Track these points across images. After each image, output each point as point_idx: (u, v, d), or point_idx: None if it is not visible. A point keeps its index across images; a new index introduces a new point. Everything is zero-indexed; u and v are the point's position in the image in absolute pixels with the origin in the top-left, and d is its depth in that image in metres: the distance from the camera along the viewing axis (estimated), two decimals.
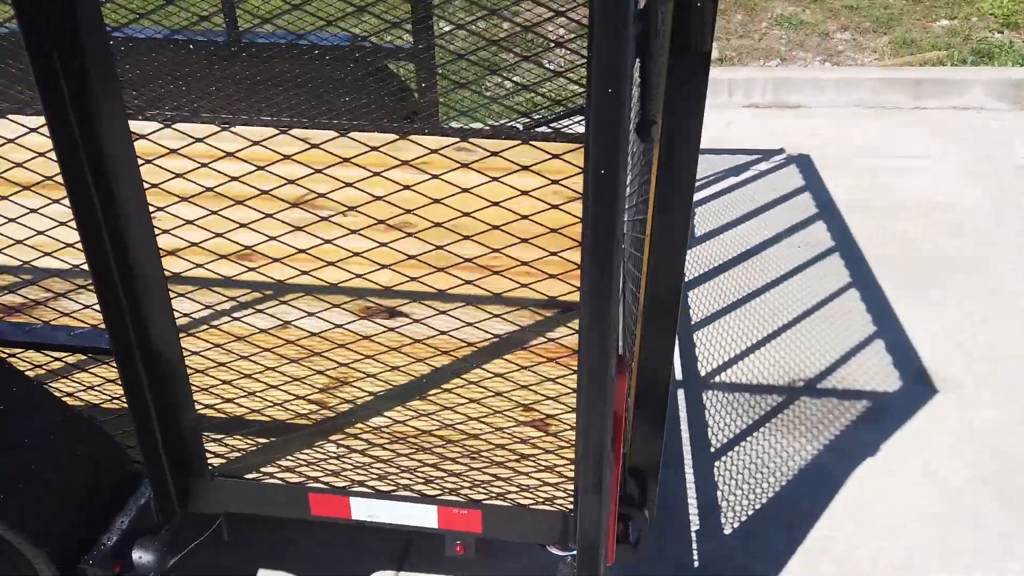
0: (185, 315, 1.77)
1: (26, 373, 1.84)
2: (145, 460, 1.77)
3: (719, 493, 2.85)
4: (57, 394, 1.91)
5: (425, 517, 1.81)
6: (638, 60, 2.22)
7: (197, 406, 1.74)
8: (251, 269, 1.68)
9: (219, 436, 1.96)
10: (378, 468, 1.86)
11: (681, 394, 3.31)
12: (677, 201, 1.47)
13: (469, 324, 1.72)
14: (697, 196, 4.64)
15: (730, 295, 3.92)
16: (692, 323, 3.73)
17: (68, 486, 1.80)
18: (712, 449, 3.04)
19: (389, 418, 2.00)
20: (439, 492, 1.80)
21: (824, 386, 3.35)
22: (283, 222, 1.59)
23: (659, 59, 1.55)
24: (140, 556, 1.79)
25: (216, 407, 1.98)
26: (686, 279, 3.92)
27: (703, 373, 3.42)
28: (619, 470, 1.80)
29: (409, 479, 1.83)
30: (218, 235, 1.53)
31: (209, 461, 1.84)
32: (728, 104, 5.87)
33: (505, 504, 1.77)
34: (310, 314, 1.74)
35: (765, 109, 5.84)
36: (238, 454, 1.94)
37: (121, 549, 1.79)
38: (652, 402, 1.75)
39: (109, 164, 1.41)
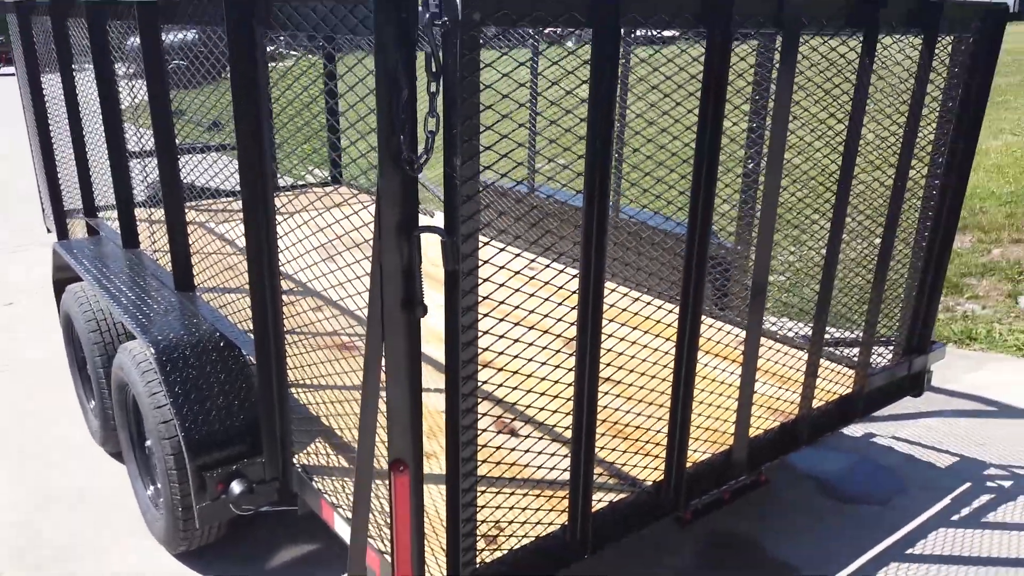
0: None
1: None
2: (264, 433, 2.85)
3: None
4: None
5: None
6: None
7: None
8: None
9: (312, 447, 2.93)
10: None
11: None
12: None
13: None
14: None
15: None
16: None
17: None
18: None
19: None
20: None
21: None
22: None
23: None
24: (234, 486, 2.85)
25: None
26: None
27: None
28: None
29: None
30: None
31: (298, 460, 2.84)
32: None
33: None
34: None
35: None
36: (319, 458, 2.88)
37: (231, 477, 2.88)
38: None
39: None
